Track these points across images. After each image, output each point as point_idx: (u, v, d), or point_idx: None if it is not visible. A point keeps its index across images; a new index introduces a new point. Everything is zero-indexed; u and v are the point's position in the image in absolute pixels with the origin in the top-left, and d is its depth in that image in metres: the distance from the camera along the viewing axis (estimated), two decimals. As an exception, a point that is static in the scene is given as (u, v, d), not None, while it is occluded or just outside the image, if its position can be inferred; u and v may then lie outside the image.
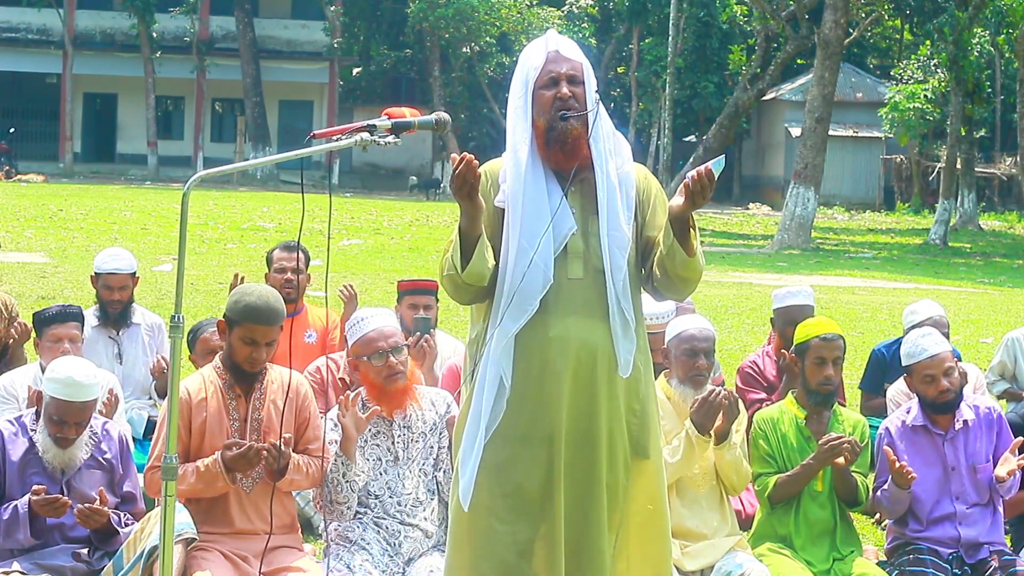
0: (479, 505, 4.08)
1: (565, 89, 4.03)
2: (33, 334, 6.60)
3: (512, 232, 4.03)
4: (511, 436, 4.05)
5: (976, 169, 37.69)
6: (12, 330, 7.13)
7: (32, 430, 5.28)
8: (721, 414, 5.39)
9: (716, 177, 3.96)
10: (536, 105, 4.05)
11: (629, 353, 4.09)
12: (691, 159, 32.34)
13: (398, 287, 7.21)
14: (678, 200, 3.98)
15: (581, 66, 4.09)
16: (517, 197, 4.03)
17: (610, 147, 4.10)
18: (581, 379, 4.04)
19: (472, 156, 3.90)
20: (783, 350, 7.04)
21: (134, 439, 6.74)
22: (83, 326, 6.53)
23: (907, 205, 43.51)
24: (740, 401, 5.65)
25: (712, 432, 5.42)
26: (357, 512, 5.31)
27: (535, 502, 4.05)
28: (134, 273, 7.55)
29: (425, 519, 5.35)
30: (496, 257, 4.05)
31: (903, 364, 5.77)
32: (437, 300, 7.06)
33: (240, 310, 5.06)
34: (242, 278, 7.50)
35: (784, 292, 7.35)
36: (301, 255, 7.77)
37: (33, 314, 6.59)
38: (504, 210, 4.07)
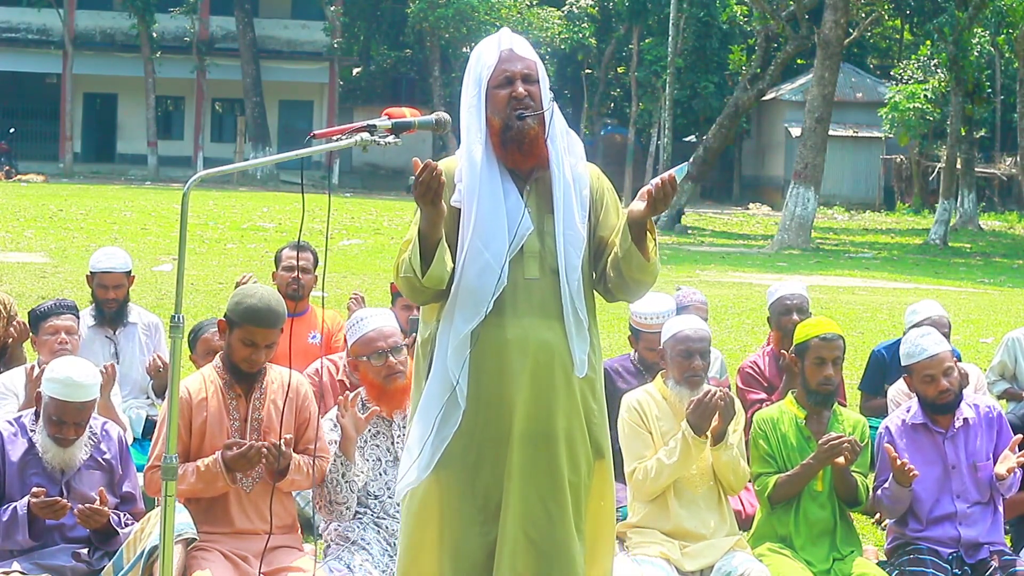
0: (452, 507, 4.06)
1: (521, 88, 4.01)
2: (31, 333, 6.63)
3: (467, 232, 4.01)
4: (475, 438, 4.04)
5: (976, 169, 37.69)
6: (11, 329, 7.15)
7: (32, 430, 5.28)
8: (717, 415, 5.39)
9: (678, 183, 3.97)
10: (491, 104, 4.04)
11: (583, 353, 4.09)
12: (691, 159, 32.33)
13: (392, 288, 7.21)
14: (639, 205, 3.99)
15: (535, 64, 4.07)
16: (472, 197, 4.01)
17: (564, 146, 4.10)
18: (540, 379, 4.03)
19: (435, 163, 3.89)
20: (782, 350, 7.06)
21: (133, 438, 6.76)
22: (78, 318, 6.56)
23: (907, 205, 43.52)
24: (737, 401, 5.65)
25: (709, 433, 5.42)
26: (357, 512, 5.32)
27: (497, 502, 4.04)
28: (129, 272, 7.55)
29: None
30: (453, 258, 4.03)
31: (902, 364, 5.78)
32: (434, 300, 7.05)
33: (241, 312, 5.06)
34: (253, 280, 7.51)
35: (774, 287, 7.55)
36: (310, 256, 7.79)
37: (28, 312, 6.62)
38: (459, 210, 4.04)
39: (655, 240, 4.08)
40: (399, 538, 4.24)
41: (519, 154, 4.03)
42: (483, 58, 4.08)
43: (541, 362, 4.03)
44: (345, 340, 6.24)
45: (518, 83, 4.02)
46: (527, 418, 4.03)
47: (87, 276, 7.62)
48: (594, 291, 4.20)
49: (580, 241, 4.08)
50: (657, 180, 3.96)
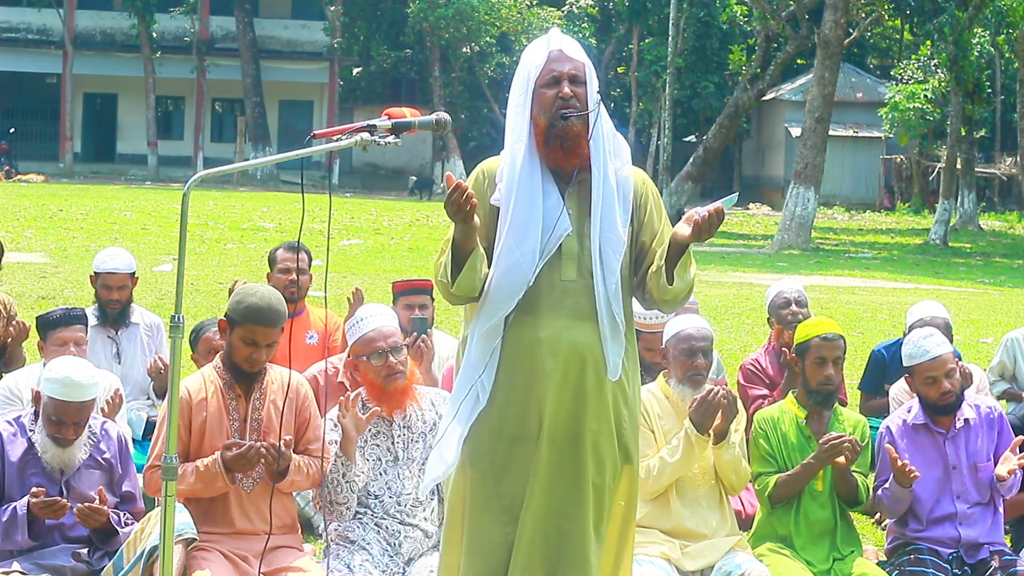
0: (476, 504, 4.08)
1: (567, 88, 4.03)
2: (36, 336, 6.60)
3: (502, 230, 4.03)
4: (503, 436, 4.05)
5: (976, 169, 37.69)
6: (11, 329, 7.14)
7: (31, 430, 5.27)
8: (720, 413, 5.39)
9: (726, 214, 3.99)
10: (537, 103, 4.05)
11: (618, 356, 4.09)
12: (691, 159, 32.34)
13: (393, 288, 7.21)
14: (684, 229, 4.00)
15: (584, 66, 4.08)
16: (510, 196, 4.03)
17: (610, 148, 4.10)
18: (570, 381, 4.04)
19: (467, 185, 3.90)
20: (783, 345, 7.06)
21: (133, 439, 6.74)
22: (87, 329, 6.53)
23: (907, 205, 43.52)
24: (739, 400, 5.65)
25: (711, 431, 5.42)
26: (357, 512, 5.31)
27: (522, 501, 4.05)
28: (133, 273, 7.54)
29: (425, 519, 5.35)
30: (490, 258, 4.05)
31: (904, 364, 5.77)
32: (433, 300, 7.07)
33: (242, 311, 5.06)
34: (244, 283, 7.50)
35: (773, 286, 7.61)
36: (304, 256, 7.77)
37: (36, 318, 6.59)
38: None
39: (692, 261, 4.10)
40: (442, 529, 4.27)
41: (561, 152, 4.04)
42: (532, 58, 4.10)
43: (573, 363, 4.03)
44: (344, 339, 6.23)
45: (565, 83, 4.03)
46: (556, 419, 4.04)
47: (91, 276, 7.61)
48: (632, 297, 4.20)
49: (620, 245, 4.08)
50: (704, 211, 3.96)
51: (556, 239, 4.03)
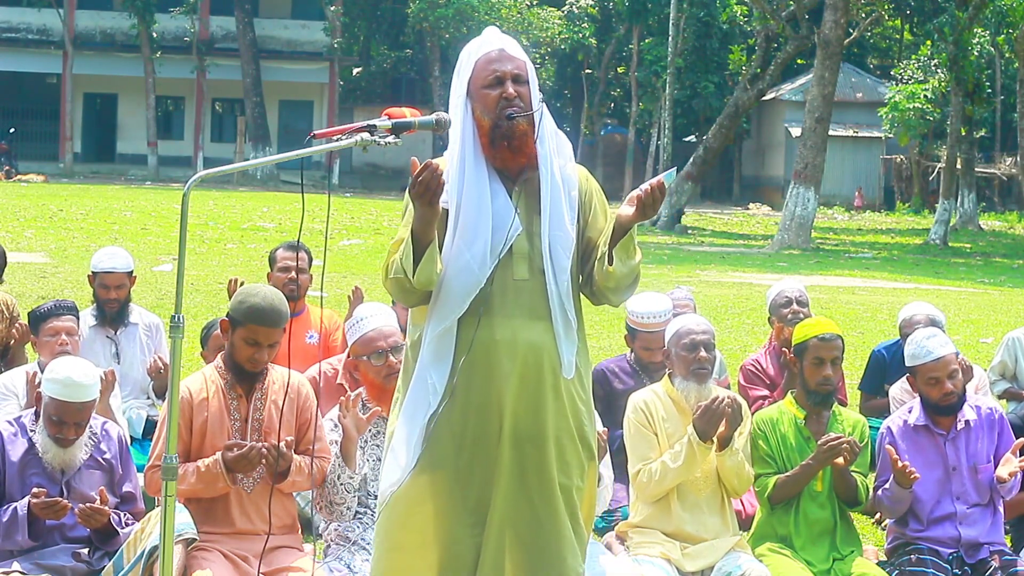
0: (442, 509, 4.03)
1: (511, 88, 3.99)
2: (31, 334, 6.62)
3: (452, 233, 4.00)
4: (466, 439, 4.02)
5: (976, 169, 37.71)
6: (13, 331, 7.14)
7: (31, 430, 5.28)
8: (724, 421, 5.38)
9: (667, 188, 3.96)
10: (480, 104, 4.01)
11: (571, 354, 4.06)
12: (691, 159, 32.35)
13: None
14: (627, 209, 3.97)
15: (525, 65, 4.06)
16: (458, 198, 3.99)
17: (554, 147, 4.07)
18: (528, 381, 4.01)
19: (436, 163, 3.87)
20: (783, 347, 7.07)
21: (132, 439, 6.75)
22: (78, 319, 6.55)
23: (907, 205, 43.53)
24: (744, 406, 5.63)
25: (715, 438, 5.40)
26: (357, 512, 5.31)
27: (488, 502, 4.03)
28: (131, 272, 7.54)
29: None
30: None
31: (907, 365, 5.77)
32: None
33: (244, 311, 5.05)
34: (241, 282, 7.50)
35: (774, 287, 7.61)
36: (304, 255, 7.77)
37: (28, 314, 6.60)
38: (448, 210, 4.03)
39: (635, 247, 4.04)
40: (374, 539, 4.20)
41: (508, 152, 4.00)
42: (471, 57, 4.07)
43: (530, 363, 4.00)
44: (344, 339, 6.23)
45: (508, 83, 4.00)
46: (516, 419, 4.01)
47: (89, 276, 7.61)
48: (581, 293, 4.19)
49: (569, 242, 4.05)
50: (646, 186, 3.93)
51: (507, 239, 3.99)
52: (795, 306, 7.21)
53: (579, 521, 4.12)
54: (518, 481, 4.01)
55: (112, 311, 7.44)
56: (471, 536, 4.03)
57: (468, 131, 4.02)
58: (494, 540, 4.01)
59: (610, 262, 4.00)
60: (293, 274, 7.51)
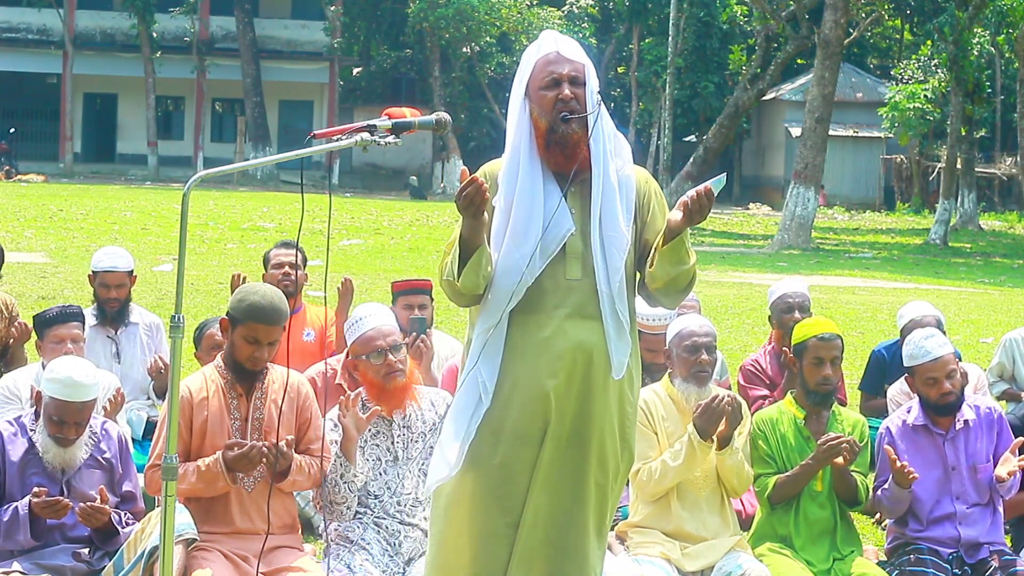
0: (480, 506, 4.07)
1: (567, 90, 4.02)
2: (34, 336, 6.60)
3: (503, 232, 4.03)
4: (505, 436, 4.05)
5: (976, 169, 37.68)
6: (12, 330, 7.14)
7: (32, 430, 5.28)
8: (724, 420, 5.38)
9: (715, 195, 3.98)
10: (537, 106, 4.04)
11: (623, 355, 4.09)
12: (691, 159, 32.35)
13: (392, 288, 7.21)
14: (676, 215, 3.99)
15: (583, 67, 4.08)
16: (511, 198, 4.03)
17: (611, 148, 4.10)
18: (575, 380, 4.03)
19: (481, 179, 3.90)
20: (784, 348, 7.06)
21: (133, 439, 6.75)
22: (84, 326, 6.53)
23: (907, 205, 43.52)
24: (744, 406, 5.64)
25: (714, 437, 5.41)
26: (357, 512, 5.32)
27: (524, 501, 4.06)
28: (131, 272, 7.54)
29: (425, 519, 5.34)
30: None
31: (905, 365, 5.77)
32: (432, 300, 7.07)
33: (244, 309, 5.06)
34: (244, 278, 7.50)
35: (775, 285, 7.55)
36: (298, 253, 7.77)
37: (33, 317, 6.59)
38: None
39: (687, 251, 4.04)
40: (430, 530, 4.26)
41: (562, 156, 4.04)
42: (531, 59, 4.09)
43: (578, 362, 4.03)
44: (339, 336, 6.22)
45: (565, 85, 4.02)
46: (562, 418, 4.04)
47: (89, 275, 7.61)
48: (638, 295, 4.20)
49: (624, 243, 4.07)
50: (693, 192, 3.95)
51: (559, 239, 4.03)
52: (797, 313, 7.16)
53: (605, 520, 4.16)
54: (556, 480, 4.05)
55: (112, 311, 7.44)
56: (506, 535, 4.06)
57: (525, 132, 4.06)
58: (526, 539, 4.05)
59: (660, 265, 4.02)
60: (287, 269, 7.51)
